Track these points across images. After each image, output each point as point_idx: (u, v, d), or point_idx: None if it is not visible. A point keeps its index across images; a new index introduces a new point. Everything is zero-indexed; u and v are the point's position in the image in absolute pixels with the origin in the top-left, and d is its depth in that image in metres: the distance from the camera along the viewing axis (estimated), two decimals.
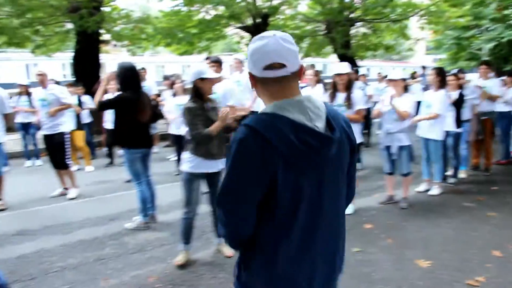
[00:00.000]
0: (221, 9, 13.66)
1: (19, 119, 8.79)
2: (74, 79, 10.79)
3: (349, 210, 5.41)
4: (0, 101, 6.06)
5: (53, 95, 6.44)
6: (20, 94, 8.77)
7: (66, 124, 6.77)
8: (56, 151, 6.50)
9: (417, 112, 6.04)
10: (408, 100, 5.50)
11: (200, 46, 15.09)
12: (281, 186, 1.53)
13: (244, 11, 12.34)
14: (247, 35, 16.36)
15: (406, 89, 5.66)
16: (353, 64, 15.80)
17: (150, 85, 9.54)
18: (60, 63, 31.21)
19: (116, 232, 5.07)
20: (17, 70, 27.79)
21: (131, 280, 3.90)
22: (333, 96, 5.32)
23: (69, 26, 12.35)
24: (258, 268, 1.63)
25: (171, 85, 8.08)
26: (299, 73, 1.61)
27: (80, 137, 8.34)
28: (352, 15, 15.69)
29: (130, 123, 4.87)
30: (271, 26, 14.23)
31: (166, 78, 9.84)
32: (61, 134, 6.48)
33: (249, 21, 13.89)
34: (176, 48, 15.46)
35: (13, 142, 9.53)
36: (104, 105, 4.95)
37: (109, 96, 6.27)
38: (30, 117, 8.74)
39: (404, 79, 5.72)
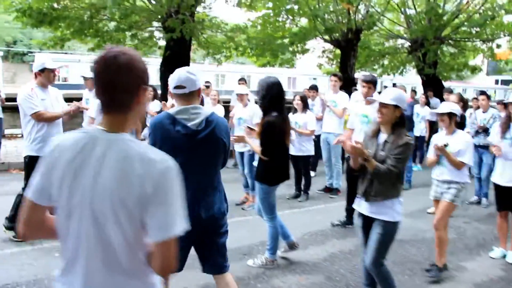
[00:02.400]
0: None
1: None
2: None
3: None
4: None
5: None
6: None
7: None
8: None
9: None
10: None
11: (283, 59, 14.56)
12: None
13: (341, 25, 11.68)
14: (328, 47, 15.75)
15: None
16: (440, 85, 14.90)
17: None
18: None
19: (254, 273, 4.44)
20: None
21: None
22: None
23: (157, 32, 12.12)
24: None
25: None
26: (196, 92, 2.76)
27: None
28: (442, 34, 14.82)
29: (278, 153, 4.24)
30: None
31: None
32: None
33: (337, 35, 13.22)
34: (257, 59, 14.98)
35: None
36: (268, 149, 4.18)
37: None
38: None
39: None
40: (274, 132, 4.09)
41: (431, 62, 14.90)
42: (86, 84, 8.19)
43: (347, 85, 11.00)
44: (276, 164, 4.21)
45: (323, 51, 15.82)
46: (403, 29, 16.50)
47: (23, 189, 4.98)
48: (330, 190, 7.59)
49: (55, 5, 9.78)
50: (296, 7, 11.84)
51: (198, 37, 11.85)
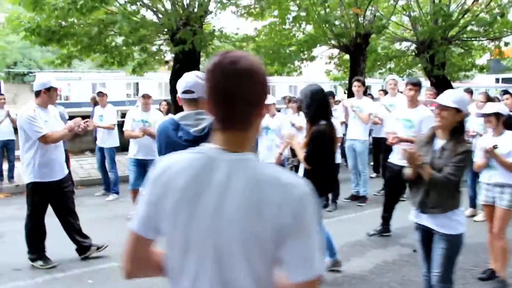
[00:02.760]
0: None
1: None
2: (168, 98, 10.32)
3: None
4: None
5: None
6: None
7: None
8: None
9: None
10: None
11: (290, 67, 14.42)
12: None
13: (351, 30, 11.53)
14: (335, 53, 15.62)
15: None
16: (449, 86, 14.75)
17: None
18: (156, 83, 31.83)
19: None
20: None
21: None
22: None
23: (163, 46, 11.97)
24: None
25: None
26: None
27: None
28: (449, 34, 14.70)
29: (327, 162, 4.05)
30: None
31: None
32: None
33: (345, 41, 13.07)
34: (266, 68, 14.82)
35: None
36: (315, 158, 3.97)
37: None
38: None
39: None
40: (324, 140, 3.91)
41: (439, 63, 14.76)
42: (101, 101, 8.02)
43: None
44: (325, 173, 4.00)
45: (330, 57, 15.66)
46: (407, 32, 16.39)
47: (29, 216, 4.76)
48: (357, 198, 7.39)
49: (63, 23, 9.62)
50: (303, 14, 11.71)
51: (206, 48, 11.69)
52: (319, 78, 20.88)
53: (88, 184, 9.18)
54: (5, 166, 8.87)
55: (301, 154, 4.04)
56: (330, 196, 7.03)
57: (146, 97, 6.58)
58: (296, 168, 5.63)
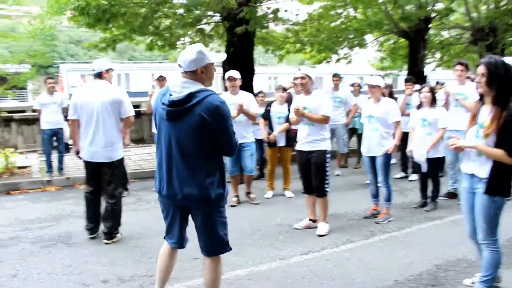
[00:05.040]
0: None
1: None
2: None
3: None
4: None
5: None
6: None
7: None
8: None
9: None
10: None
11: (340, 55, 13.46)
12: None
13: (419, 12, 10.54)
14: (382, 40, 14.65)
15: None
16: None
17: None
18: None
19: None
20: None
21: None
22: None
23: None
24: None
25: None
26: (197, 72, 2.80)
27: (289, 155, 6.91)
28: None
29: None
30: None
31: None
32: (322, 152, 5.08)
33: (404, 26, 12.08)
34: (311, 56, 13.92)
35: None
36: None
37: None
38: None
39: None
40: None
41: (499, 51, 13.72)
42: (161, 86, 7.23)
43: (417, 79, 9.96)
44: None
45: (381, 44, 14.70)
46: (462, 18, 15.33)
47: (117, 191, 4.95)
48: (455, 195, 6.50)
49: (113, 2, 8.83)
50: None
51: (260, 32, 10.83)
52: (359, 68, 19.90)
53: (141, 177, 8.43)
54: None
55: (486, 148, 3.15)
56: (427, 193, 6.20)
57: (232, 79, 6.21)
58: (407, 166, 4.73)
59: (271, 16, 10.36)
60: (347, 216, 5.79)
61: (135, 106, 7.37)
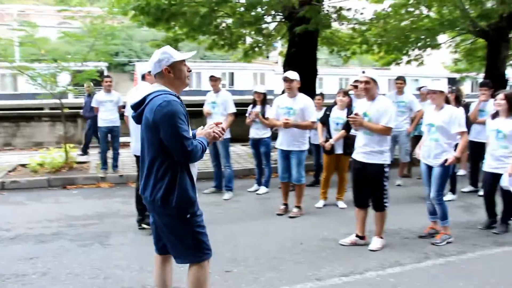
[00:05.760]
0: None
1: (251, 133, 7.25)
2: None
3: None
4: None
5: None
6: (254, 103, 7.21)
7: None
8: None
9: None
10: None
11: (411, 56, 12.61)
12: None
13: (501, 8, 9.53)
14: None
15: None
16: None
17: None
18: (251, 73, 31.76)
19: None
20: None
21: None
22: None
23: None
24: None
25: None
26: (162, 74, 2.77)
27: (346, 164, 6.47)
28: None
29: None
30: None
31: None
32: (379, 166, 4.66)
33: (483, 25, 11.02)
34: (380, 57, 13.20)
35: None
36: None
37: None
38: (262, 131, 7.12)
39: None
40: None
41: None
42: (214, 86, 7.03)
43: (497, 83, 8.99)
44: None
45: (457, 45, 13.63)
46: None
47: None
48: None
49: (172, 1, 8.84)
50: None
51: (324, 31, 10.38)
52: (430, 70, 18.69)
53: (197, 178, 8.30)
54: (109, 154, 8.33)
55: None
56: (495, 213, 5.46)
57: (287, 80, 5.81)
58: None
59: (335, 15, 9.91)
60: (401, 233, 5.23)
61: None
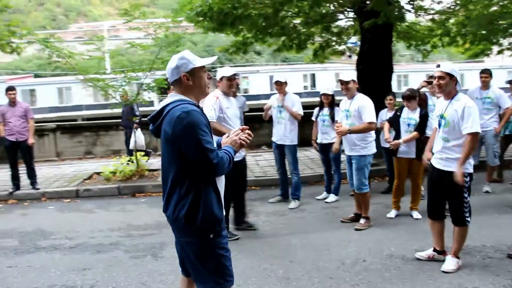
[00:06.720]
0: None
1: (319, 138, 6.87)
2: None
3: None
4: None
5: None
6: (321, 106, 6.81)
7: None
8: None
9: None
10: None
11: (503, 45, 11.28)
12: None
13: None
14: None
15: None
16: None
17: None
18: (333, 73, 31.45)
19: None
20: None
21: None
22: None
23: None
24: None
25: None
26: (180, 81, 2.56)
27: (420, 170, 5.83)
28: None
29: None
30: None
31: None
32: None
33: None
34: (465, 49, 11.99)
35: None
36: None
37: None
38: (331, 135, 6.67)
39: None
40: None
41: None
42: (280, 89, 6.65)
43: None
44: None
45: None
46: None
47: None
48: None
49: (236, 4, 8.66)
50: None
51: (400, 24, 9.61)
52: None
53: (264, 185, 8.05)
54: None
55: None
56: None
57: (343, 83, 5.47)
58: None
59: (409, 7, 9.12)
60: (484, 251, 4.50)
61: None
